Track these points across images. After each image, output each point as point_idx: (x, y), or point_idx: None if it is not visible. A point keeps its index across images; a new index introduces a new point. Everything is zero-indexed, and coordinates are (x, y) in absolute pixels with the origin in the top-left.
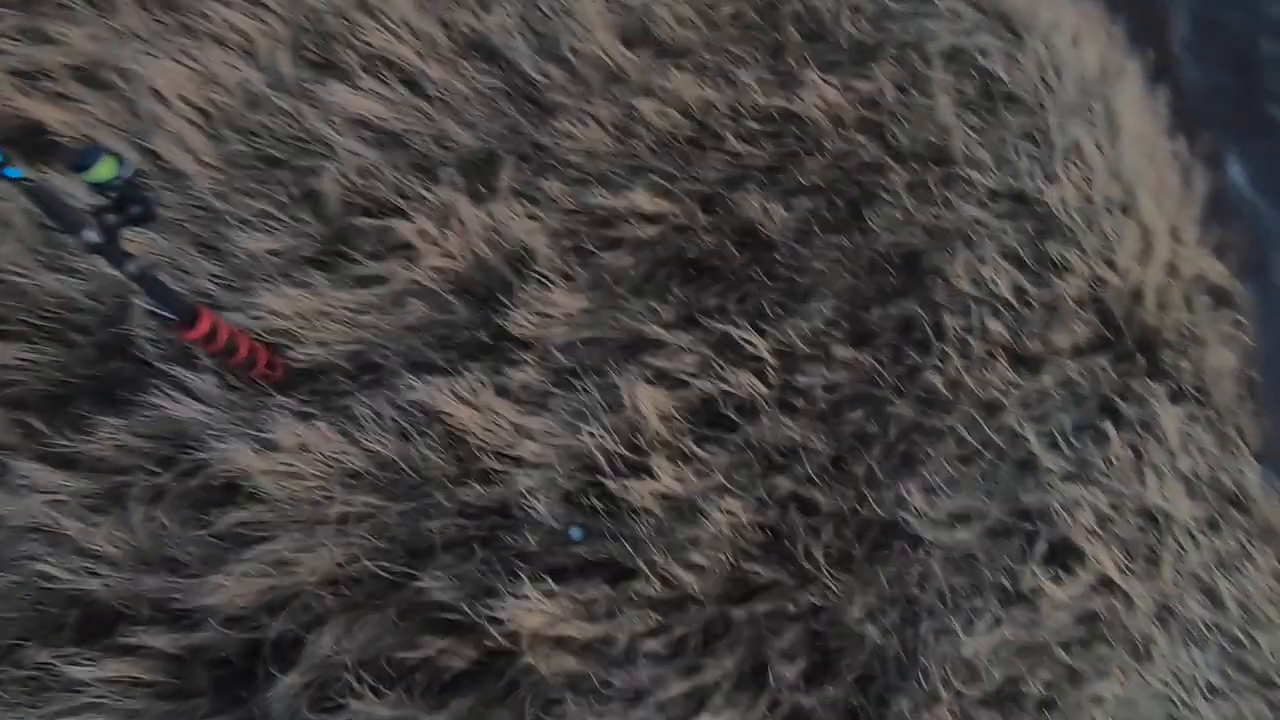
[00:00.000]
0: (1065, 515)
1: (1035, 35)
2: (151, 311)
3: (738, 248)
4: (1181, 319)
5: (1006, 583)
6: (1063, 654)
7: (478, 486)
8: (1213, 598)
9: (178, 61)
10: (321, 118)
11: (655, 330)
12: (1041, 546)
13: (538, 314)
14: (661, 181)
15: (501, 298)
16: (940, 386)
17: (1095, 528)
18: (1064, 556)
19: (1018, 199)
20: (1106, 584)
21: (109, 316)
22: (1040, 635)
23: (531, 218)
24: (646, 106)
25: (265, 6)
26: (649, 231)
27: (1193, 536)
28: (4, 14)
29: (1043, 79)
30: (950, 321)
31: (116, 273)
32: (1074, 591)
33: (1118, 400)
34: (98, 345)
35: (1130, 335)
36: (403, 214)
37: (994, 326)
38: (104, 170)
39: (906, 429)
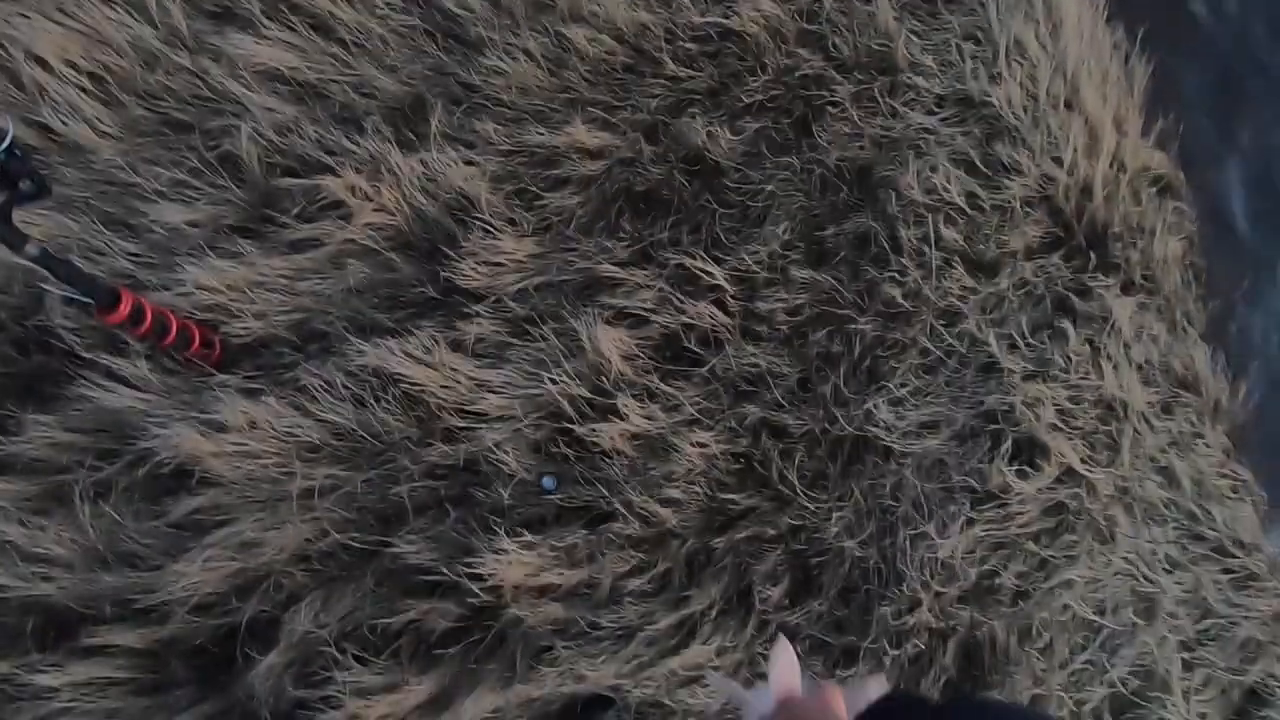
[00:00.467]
0: (1028, 413)
1: None
2: (68, 299)
3: (686, 176)
4: (1129, 211)
5: (976, 484)
6: (1033, 545)
7: (443, 446)
8: (1168, 477)
9: (57, 23)
10: (228, 73)
11: (610, 269)
12: (1007, 445)
13: (486, 263)
14: (601, 113)
15: (446, 250)
16: (900, 299)
17: (1057, 422)
18: (1029, 453)
19: (964, 103)
20: (1070, 474)
21: (20, 309)
22: (1011, 530)
23: (468, 163)
24: (577, 34)
25: None
26: (593, 167)
27: (1148, 421)
28: None
29: None
30: (905, 233)
31: (16, 259)
32: (1040, 485)
33: (1073, 296)
34: (13, 341)
35: (1081, 231)
36: (330, 170)
37: (948, 234)
38: None
39: (870, 345)
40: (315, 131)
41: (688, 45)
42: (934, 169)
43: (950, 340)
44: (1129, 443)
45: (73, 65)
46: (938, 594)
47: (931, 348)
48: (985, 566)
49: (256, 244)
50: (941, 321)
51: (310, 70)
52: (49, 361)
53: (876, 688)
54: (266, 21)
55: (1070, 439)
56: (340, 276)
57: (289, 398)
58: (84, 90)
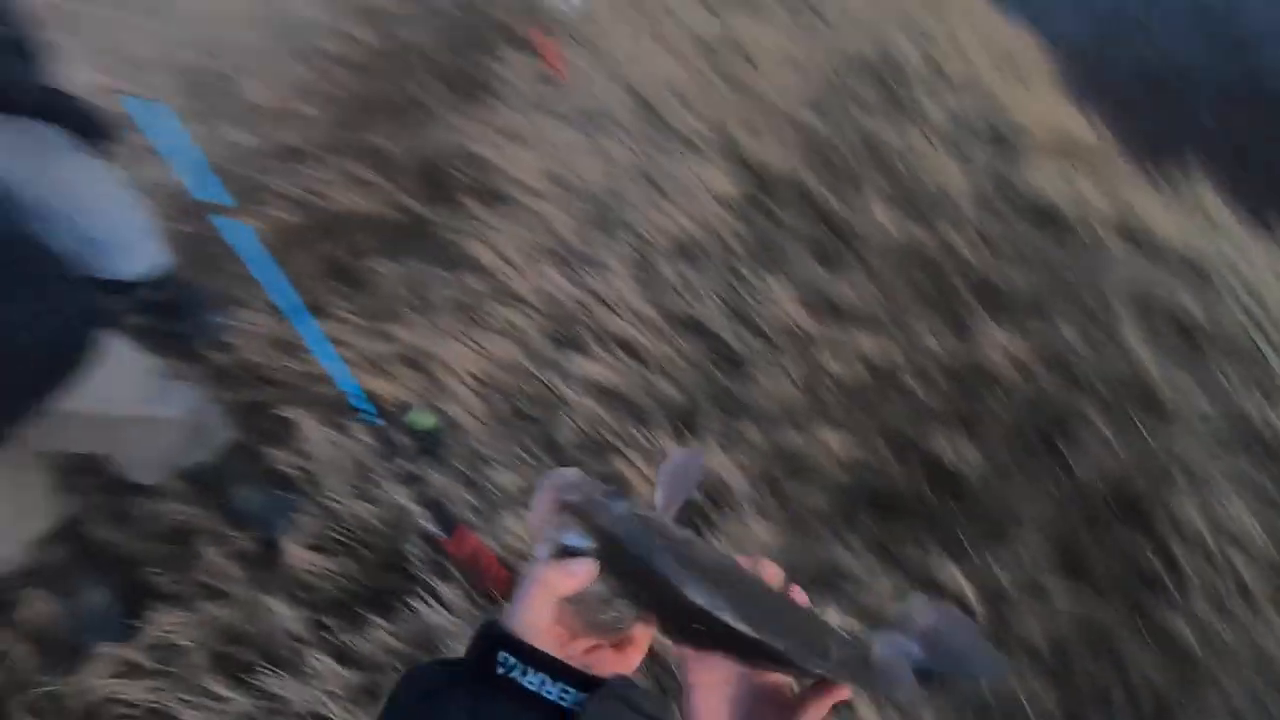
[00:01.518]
0: None
1: (1219, 272)
2: (423, 533)
3: (931, 487)
4: None
5: None
6: None
7: None
8: None
9: (467, 346)
10: (564, 382)
11: (850, 562)
12: None
13: (735, 544)
14: (848, 424)
15: (703, 529)
16: (1186, 632)
17: None
18: None
19: (1239, 425)
20: None
21: (390, 535)
22: None
23: (728, 456)
24: (830, 361)
25: (528, 303)
26: (839, 471)
27: None
28: (412, 320)
29: (1244, 310)
30: (1186, 559)
31: (404, 500)
32: None
33: None
34: (379, 559)
35: None
36: (620, 454)
37: (1245, 570)
38: (424, 420)
39: (1151, 680)
40: (615, 425)
41: (931, 372)
42: (1214, 495)
43: (1267, 693)
44: None
45: (469, 372)
46: None
47: (1236, 694)
48: None
49: None
50: (1250, 670)
51: (619, 381)
52: (396, 578)
53: (690, 456)
54: (596, 347)
55: None
56: None
57: None
58: (469, 387)
